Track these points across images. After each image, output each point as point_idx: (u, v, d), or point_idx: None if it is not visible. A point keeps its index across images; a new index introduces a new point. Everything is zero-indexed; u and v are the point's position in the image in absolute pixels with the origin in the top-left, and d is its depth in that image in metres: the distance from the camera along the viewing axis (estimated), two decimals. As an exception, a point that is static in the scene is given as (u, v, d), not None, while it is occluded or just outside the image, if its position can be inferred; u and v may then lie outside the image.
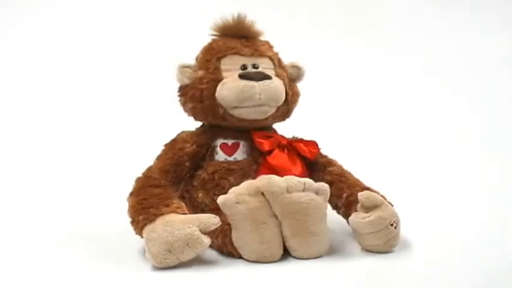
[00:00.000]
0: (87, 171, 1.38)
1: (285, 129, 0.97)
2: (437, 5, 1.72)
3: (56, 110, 1.55)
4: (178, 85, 0.94)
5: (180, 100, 0.94)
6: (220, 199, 0.78)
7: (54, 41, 1.61)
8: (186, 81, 0.92)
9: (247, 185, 0.79)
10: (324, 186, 0.81)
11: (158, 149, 0.93)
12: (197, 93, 0.90)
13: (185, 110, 0.95)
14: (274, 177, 0.79)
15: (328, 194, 0.82)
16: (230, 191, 0.79)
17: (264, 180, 0.79)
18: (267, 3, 1.62)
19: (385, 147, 1.49)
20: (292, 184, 0.78)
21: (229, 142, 0.91)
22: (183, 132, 0.94)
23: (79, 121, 1.54)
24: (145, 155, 0.92)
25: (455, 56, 1.67)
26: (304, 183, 0.79)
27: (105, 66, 1.57)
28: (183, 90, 0.93)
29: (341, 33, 1.68)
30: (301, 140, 0.94)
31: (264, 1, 1.62)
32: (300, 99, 0.98)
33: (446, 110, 1.62)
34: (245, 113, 0.88)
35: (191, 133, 0.93)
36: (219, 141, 0.91)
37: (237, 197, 0.78)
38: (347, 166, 0.96)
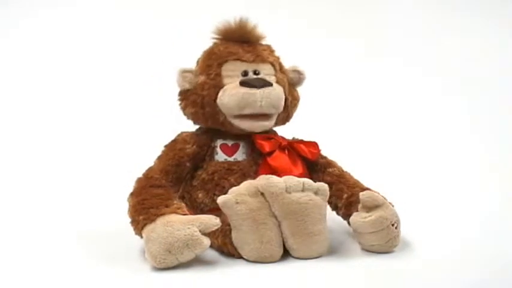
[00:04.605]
0: (87, 171, 1.38)
1: (285, 130, 0.97)
2: (436, 5, 1.72)
3: (57, 111, 1.55)
4: (178, 89, 0.93)
5: (180, 104, 0.94)
6: (220, 199, 0.78)
7: (56, 42, 1.60)
8: (187, 86, 0.91)
9: (247, 185, 0.80)
10: (323, 186, 0.81)
11: (158, 149, 0.93)
12: (198, 99, 0.90)
13: (185, 114, 0.94)
14: (273, 178, 0.79)
15: (328, 193, 0.82)
16: (230, 191, 0.79)
17: (263, 180, 0.79)
18: (267, 4, 1.62)
19: (385, 147, 1.49)
20: (291, 184, 0.78)
21: (229, 143, 0.91)
22: (183, 132, 0.94)
23: (80, 122, 1.54)
24: (145, 156, 0.92)
25: (455, 56, 1.67)
26: (304, 183, 0.80)
27: (106, 68, 1.57)
28: (184, 95, 0.93)
29: (342, 34, 1.68)
30: (302, 141, 0.94)
31: (264, 2, 1.62)
32: (301, 101, 0.98)
33: (447, 110, 1.62)
34: (244, 126, 0.88)
35: (191, 134, 0.93)
36: (219, 142, 0.91)
37: (236, 197, 0.78)
38: (347, 167, 0.97)
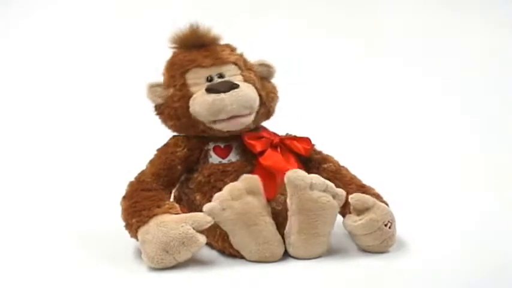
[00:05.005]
0: (85, 172, 1.38)
1: (285, 130, 0.97)
2: (436, 5, 1.72)
3: (57, 111, 1.55)
4: (152, 104, 0.93)
5: (159, 118, 0.93)
6: (206, 208, 0.78)
7: (56, 42, 1.61)
8: (159, 100, 0.91)
9: (229, 188, 0.79)
10: (342, 192, 0.81)
11: (153, 152, 0.92)
12: (172, 111, 0.89)
13: (167, 127, 0.93)
14: (301, 172, 0.79)
15: (344, 201, 0.82)
16: (214, 197, 0.79)
17: (292, 172, 0.78)
18: (267, 4, 1.62)
19: (385, 147, 1.49)
20: (316, 182, 0.78)
21: (222, 145, 0.91)
22: (174, 136, 0.93)
23: (80, 122, 1.54)
24: (145, 156, 0.92)
25: (456, 56, 1.67)
26: (327, 185, 0.80)
27: (103, 70, 1.57)
28: (159, 110, 0.92)
29: (342, 34, 1.68)
30: (294, 137, 0.93)
31: (265, 2, 1.62)
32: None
33: (446, 108, 1.62)
34: (224, 127, 0.88)
35: (183, 137, 0.92)
36: (212, 144, 0.91)
37: (221, 203, 0.77)
38: (347, 167, 0.96)
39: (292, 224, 0.79)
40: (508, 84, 1.63)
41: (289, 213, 0.80)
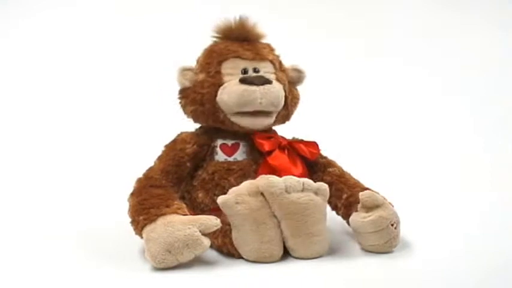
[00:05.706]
0: (87, 171, 1.39)
1: (285, 130, 0.97)
2: (436, 4, 1.72)
3: (58, 110, 1.55)
4: (178, 87, 0.94)
5: (180, 102, 0.94)
6: (220, 199, 0.79)
7: (56, 42, 1.61)
8: (187, 84, 0.92)
9: (247, 185, 0.79)
10: (323, 186, 0.81)
11: (158, 149, 0.93)
12: (198, 96, 0.90)
13: (185, 113, 0.95)
14: (273, 177, 0.79)
15: (328, 194, 0.82)
16: (230, 191, 0.79)
17: (263, 180, 0.79)
18: (267, 4, 1.62)
19: (385, 147, 1.49)
20: (291, 184, 0.78)
21: (229, 143, 0.91)
22: (182, 133, 0.94)
23: (80, 122, 1.54)
24: (146, 156, 0.92)
25: (456, 56, 1.67)
26: (303, 183, 0.79)
27: (106, 68, 1.57)
28: (184, 93, 0.93)
29: (342, 34, 1.68)
30: (302, 141, 0.94)
31: (264, 2, 1.62)
32: (302, 101, 0.98)
33: (447, 110, 1.62)
34: (244, 123, 0.89)
35: (191, 134, 0.93)
36: (219, 142, 0.91)
37: (237, 197, 0.78)
38: (347, 166, 0.97)
39: (283, 229, 0.80)
40: (508, 84, 1.63)
41: (278, 219, 0.80)
